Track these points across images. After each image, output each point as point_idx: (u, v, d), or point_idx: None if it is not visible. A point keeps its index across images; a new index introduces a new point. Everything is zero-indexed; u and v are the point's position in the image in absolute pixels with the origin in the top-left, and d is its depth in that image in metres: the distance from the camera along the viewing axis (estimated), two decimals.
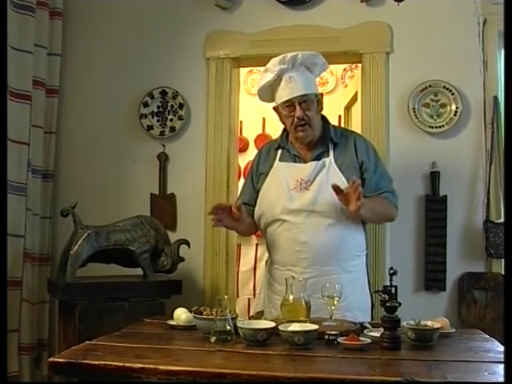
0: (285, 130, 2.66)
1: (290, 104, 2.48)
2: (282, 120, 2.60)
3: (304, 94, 2.47)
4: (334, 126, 2.71)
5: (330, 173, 2.48)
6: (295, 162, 2.58)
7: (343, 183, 2.42)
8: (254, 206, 2.62)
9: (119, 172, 3.56)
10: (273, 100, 2.60)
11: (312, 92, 2.51)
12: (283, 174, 2.54)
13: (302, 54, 2.49)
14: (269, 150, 2.71)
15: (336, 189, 2.30)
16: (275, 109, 2.60)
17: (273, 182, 2.56)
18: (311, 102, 2.49)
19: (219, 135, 3.45)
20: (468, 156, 3.20)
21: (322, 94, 2.63)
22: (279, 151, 2.63)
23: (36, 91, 3.31)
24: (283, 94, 2.50)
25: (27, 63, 3.22)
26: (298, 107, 2.46)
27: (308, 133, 2.51)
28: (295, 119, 2.47)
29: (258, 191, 2.62)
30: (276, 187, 2.54)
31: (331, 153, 2.54)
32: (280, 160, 2.60)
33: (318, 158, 2.54)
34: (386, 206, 2.54)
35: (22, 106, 3.18)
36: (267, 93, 2.60)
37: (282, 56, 2.50)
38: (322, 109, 2.61)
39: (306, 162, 2.55)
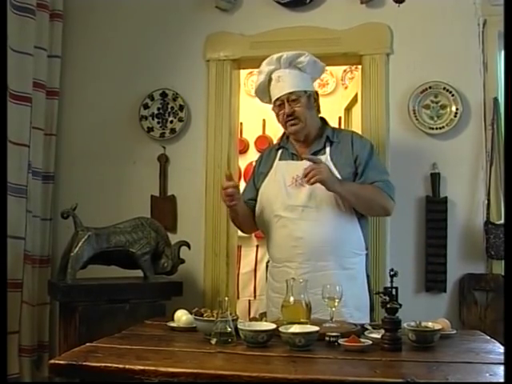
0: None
1: (280, 102, 2.57)
2: (277, 119, 2.66)
3: (291, 91, 2.55)
4: (332, 127, 2.75)
5: None
6: (293, 159, 2.63)
7: None
8: (254, 205, 2.67)
9: (119, 174, 3.56)
10: (270, 101, 2.67)
11: (300, 89, 2.57)
12: (281, 172, 2.60)
13: (287, 53, 2.59)
14: (270, 151, 2.78)
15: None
16: (273, 109, 2.67)
17: (272, 180, 2.62)
18: (299, 98, 2.56)
19: (219, 137, 3.45)
20: (468, 157, 3.20)
21: (317, 93, 2.69)
22: (279, 151, 2.70)
23: (36, 93, 3.31)
24: (274, 93, 2.61)
25: (27, 65, 3.22)
26: (286, 104, 2.55)
27: (299, 127, 2.57)
28: (284, 116, 2.56)
29: (257, 190, 2.67)
30: (275, 185, 2.59)
31: (327, 150, 2.58)
32: (280, 159, 2.66)
33: (314, 155, 2.57)
34: (374, 193, 2.51)
35: (22, 108, 3.18)
36: (265, 94, 2.70)
37: (269, 57, 2.62)
38: (318, 106, 2.67)
39: (302, 160, 2.57)
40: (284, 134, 2.74)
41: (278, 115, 2.62)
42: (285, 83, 2.56)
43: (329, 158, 2.55)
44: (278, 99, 2.57)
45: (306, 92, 2.58)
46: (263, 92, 2.69)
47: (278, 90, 2.58)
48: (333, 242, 2.48)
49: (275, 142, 4.80)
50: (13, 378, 3.12)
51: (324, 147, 2.59)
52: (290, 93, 2.55)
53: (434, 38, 3.25)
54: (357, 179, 2.54)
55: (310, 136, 2.62)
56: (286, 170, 2.59)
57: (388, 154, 3.22)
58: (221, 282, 3.40)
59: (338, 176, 2.49)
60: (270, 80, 2.62)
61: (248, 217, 2.68)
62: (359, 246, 2.58)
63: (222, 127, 3.46)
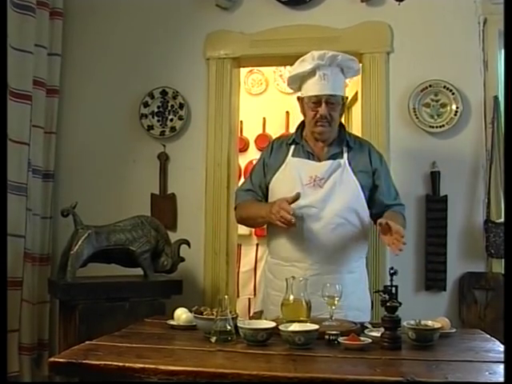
0: (299, 126, 2.69)
1: (317, 100, 2.51)
2: (303, 111, 2.62)
3: (333, 94, 2.51)
4: (349, 132, 2.75)
5: (345, 174, 2.52)
6: (309, 158, 2.59)
7: (356, 186, 2.50)
8: (261, 193, 2.63)
9: (119, 172, 3.56)
10: (299, 89, 2.63)
11: (340, 94, 2.55)
12: (296, 170, 2.55)
13: (342, 55, 2.54)
14: (281, 144, 2.71)
15: (382, 225, 2.31)
16: (299, 98, 2.63)
17: (285, 176, 2.57)
18: (337, 103, 2.53)
19: (219, 135, 3.45)
20: (468, 156, 3.20)
21: (346, 98, 2.66)
22: (292, 147, 2.64)
23: (36, 91, 3.31)
24: (313, 88, 2.52)
25: (27, 63, 3.21)
26: (324, 105, 2.49)
27: (326, 130, 2.54)
28: (318, 115, 2.51)
29: (266, 181, 2.63)
30: (289, 182, 2.54)
31: (345, 155, 2.57)
32: (293, 155, 2.61)
33: (332, 157, 2.56)
34: (402, 223, 2.56)
35: (23, 106, 3.17)
36: (296, 81, 2.62)
37: (322, 52, 2.52)
38: (343, 112, 2.65)
39: (319, 160, 2.56)
40: (298, 128, 2.69)
41: (309, 110, 2.54)
42: (329, 83, 2.50)
43: (347, 162, 2.54)
44: (316, 96, 2.51)
45: (343, 98, 2.57)
46: (297, 80, 2.60)
47: (319, 87, 2.50)
48: (343, 246, 2.48)
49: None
50: (13, 377, 3.12)
51: (342, 151, 2.57)
52: (332, 95, 2.50)
53: (434, 36, 3.25)
54: (378, 192, 2.57)
55: (330, 139, 2.59)
56: (302, 169, 2.55)
57: (388, 153, 3.22)
58: (221, 280, 3.40)
59: (357, 182, 2.50)
60: (313, 73, 2.53)
61: None
62: (363, 250, 2.62)
63: (222, 125, 3.45)
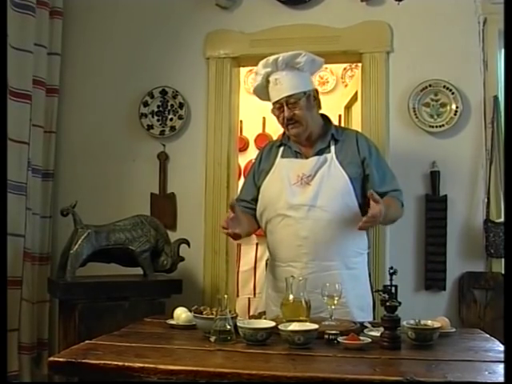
0: None
1: (279, 105, 2.53)
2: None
3: (289, 94, 2.50)
4: (335, 125, 2.73)
5: (332, 168, 2.50)
6: (296, 157, 2.59)
7: (345, 179, 2.47)
8: (254, 203, 2.64)
9: (119, 171, 3.56)
10: (270, 99, 2.63)
11: (299, 91, 2.51)
12: (284, 170, 2.56)
13: (283, 55, 2.53)
14: (271, 148, 2.73)
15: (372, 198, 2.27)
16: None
17: (274, 177, 2.58)
18: (298, 100, 2.50)
19: (219, 135, 3.45)
20: (468, 155, 3.20)
21: (316, 90, 2.63)
22: (281, 148, 2.65)
23: (36, 90, 3.31)
24: (272, 95, 2.56)
25: (27, 62, 3.21)
26: (285, 108, 2.50)
27: (300, 130, 2.54)
28: (285, 120, 2.52)
29: (258, 188, 2.63)
30: (278, 183, 2.55)
31: (332, 149, 2.55)
32: (282, 157, 2.62)
33: (319, 153, 2.55)
34: (397, 209, 2.56)
35: (22, 106, 3.17)
36: (263, 94, 2.64)
37: (265, 59, 2.55)
38: (318, 103, 2.62)
39: (307, 158, 2.56)
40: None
41: (277, 117, 2.57)
42: (282, 86, 2.50)
43: (334, 156, 2.52)
44: (276, 102, 2.53)
45: (305, 93, 2.52)
46: (262, 93, 2.64)
47: (275, 93, 2.53)
48: (338, 242, 2.46)
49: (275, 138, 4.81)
50: (12, 376, 3.12)
51: (329, 146, 2.56)
52: (289, 96, 2.49)
53: (434, 36, 3.25)
54: (369, 183, 2.52)
55: (313, 135, 2.58)
56: (290, 168, 2.55)
57: (388, 153, 3.22)
58: (220, 279, 3.40)
59: (345, 175, 2.47)
60: (267, 81, 2.57)
61: (248, 223, 2.58)
62: (362, 245, 2.59)
63: (222, 125, 3.45)
